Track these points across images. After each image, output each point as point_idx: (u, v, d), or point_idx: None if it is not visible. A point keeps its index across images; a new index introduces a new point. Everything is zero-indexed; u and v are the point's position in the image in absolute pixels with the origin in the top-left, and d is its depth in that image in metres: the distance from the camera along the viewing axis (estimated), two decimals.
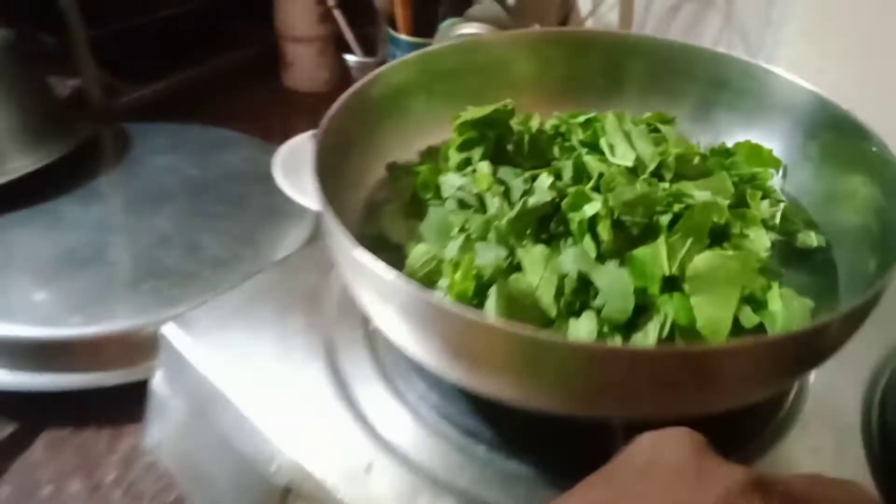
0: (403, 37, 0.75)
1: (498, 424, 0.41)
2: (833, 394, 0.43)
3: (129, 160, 0.76)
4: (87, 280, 0.61)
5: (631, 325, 0.37)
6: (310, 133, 0.72)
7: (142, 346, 0.57)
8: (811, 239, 0.44)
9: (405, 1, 0.75)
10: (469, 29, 0.61)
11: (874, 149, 0.41)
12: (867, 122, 0.43)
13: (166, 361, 0.48)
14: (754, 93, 0.49)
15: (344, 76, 0.88)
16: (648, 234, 0.39)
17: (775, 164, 0.47)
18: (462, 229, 0.40)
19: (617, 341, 0.36)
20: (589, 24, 0.81)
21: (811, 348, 0.34)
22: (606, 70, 0.52)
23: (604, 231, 0.39)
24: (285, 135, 0.80)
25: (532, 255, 0.39)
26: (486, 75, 0.51)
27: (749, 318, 0.37)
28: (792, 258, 0.44)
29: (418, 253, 0.41)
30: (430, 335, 0.34)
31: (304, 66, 0.96)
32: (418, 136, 0.50)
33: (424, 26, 0.75)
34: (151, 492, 0.53)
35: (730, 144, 0.49)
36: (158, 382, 0.49)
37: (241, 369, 0.44)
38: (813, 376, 0.44)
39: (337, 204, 0.37)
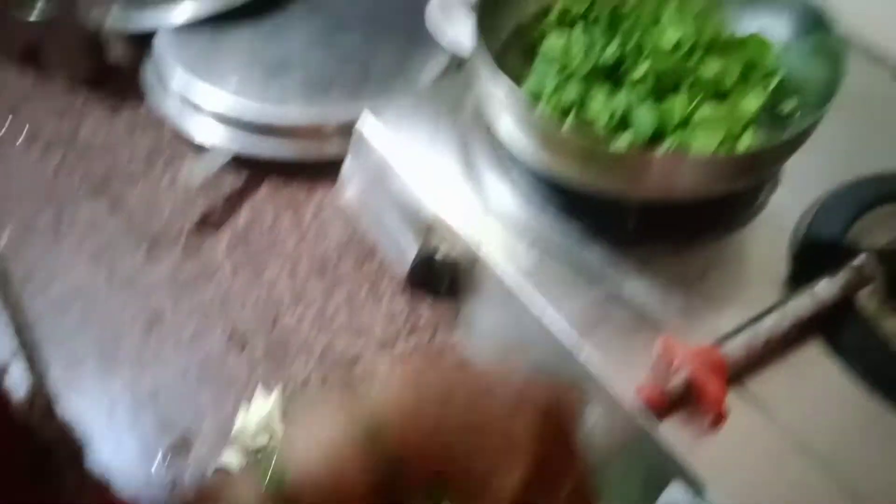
0: None
1: (562, 197, 0.66)
2: (783, 208, 0.66)
3: None
4: (295, 80, 0.87)
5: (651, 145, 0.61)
6: None
7: (330, 131, 0.84)
8: (790, 105, 0.65)
9: None
10: None
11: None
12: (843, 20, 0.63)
13: (359, 140, 0.75)
14: None
15: None
16: (676, 89, 0.62)
17: (775, 49, 0.68)
18: (559, 71, 0.64)
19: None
20: None
21: (758, 161, 0.58)
22: None
23: (648, 83, 0.62)
24: None
25: (598, 94, 0.63)
26: None
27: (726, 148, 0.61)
28: (774, 120, 0.66)
29: (529, 84, 0.65)
30: (530, 134, 0.59)
31: None
32: None
33: None
34: (336, 225, 0.82)
35: (748, 28, 0.70)
36: (351, 156, 0.76)
37: (405, 151, 0.71)
38: (775, 195, 0.67)
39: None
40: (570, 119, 0.62)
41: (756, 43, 0.68)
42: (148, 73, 0.93)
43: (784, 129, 0.65)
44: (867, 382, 0.56)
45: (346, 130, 0.82)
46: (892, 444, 0.53)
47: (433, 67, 0.89)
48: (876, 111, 0.75)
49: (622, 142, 0.61)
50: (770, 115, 0.66)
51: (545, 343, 0.59)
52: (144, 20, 0.93)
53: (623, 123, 0.62)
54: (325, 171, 0.83)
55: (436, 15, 0.90)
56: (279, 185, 0.86)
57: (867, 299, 0.59)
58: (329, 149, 0.84)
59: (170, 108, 0.89)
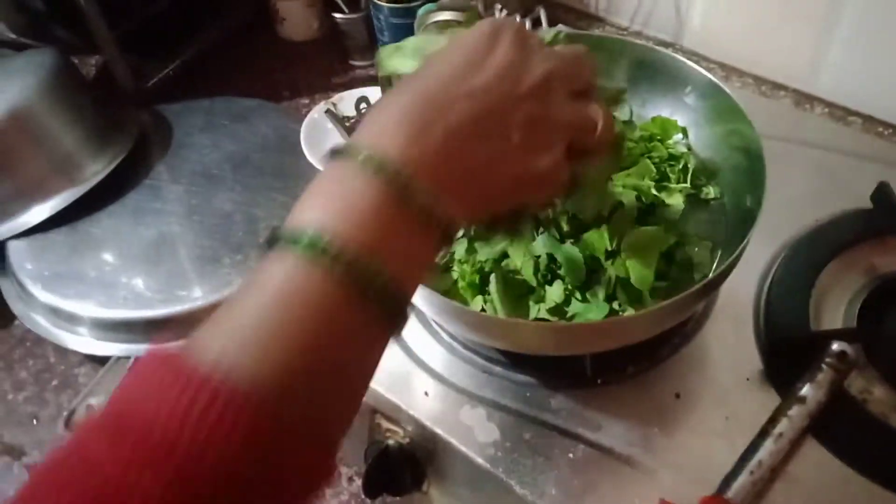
0: (383, 3, 0.87)
1: (506, 355, 0.60)
2: (734, 293, 0.62)
3: (175, 144, 0.90)
4: (180, 260, 0.78)
5: (587, 285, 0.56)
6: (323, 105, 0.85)
7: None
8: (710, 191, 0.61)
9: None
10: (442, 16, 0.73)
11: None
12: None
13: None
14: (664, 70, 0.65)
15: (333, 26, 0.99)
16: (596, 221, 0.57)
17: (679, 129, 0.64)
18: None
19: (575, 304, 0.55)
20: None
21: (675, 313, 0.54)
22: None
23: (563, 224, 0.56)
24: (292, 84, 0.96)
25: (515, 244, 0.57)
26: None
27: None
28: (698, 206, 0.61)
29: None
30: (448, 320, 0.54)
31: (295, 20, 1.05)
32: None
33: None
34: None
35: (651, 112, 0.66)
36: None
37: None
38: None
39: None
40: (493, 281, 0.56)
41: (659, 123, 0.64)
42: (7, 289, 0.81)
43: (708, 212, 0.61)
44: (874, 479, 0.53)
45: None
46: None
47: None
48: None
49: (555, 291, 0.55)
50: (693, 202, 0.61)
51: None
52: None
53: (550, 269, 0.56)
54: None
55: (310, 143, 0.82)
56: None
57: (852, 381, 0.56)
58: None
59: (41, 324, 0.78)
